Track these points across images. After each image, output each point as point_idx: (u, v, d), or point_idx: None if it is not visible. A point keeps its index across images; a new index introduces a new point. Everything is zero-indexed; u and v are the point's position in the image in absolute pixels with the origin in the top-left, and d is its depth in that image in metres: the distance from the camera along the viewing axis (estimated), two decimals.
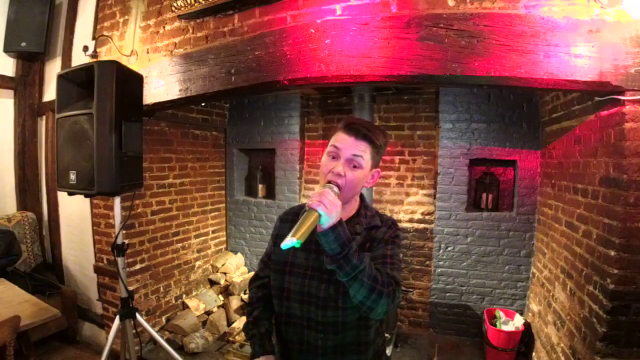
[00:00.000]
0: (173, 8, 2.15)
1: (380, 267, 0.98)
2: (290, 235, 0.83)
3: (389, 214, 3.17)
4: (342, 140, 1.03)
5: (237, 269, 3.56)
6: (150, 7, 2.33)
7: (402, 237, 1.14)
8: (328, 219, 0.87)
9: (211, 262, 3.60)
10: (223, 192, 3.78)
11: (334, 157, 1.03)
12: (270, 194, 3.67)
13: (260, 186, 3.69)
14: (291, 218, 1.17)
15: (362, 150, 1.02)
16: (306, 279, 1.05)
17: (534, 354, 2.51)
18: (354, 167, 1.01)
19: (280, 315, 1.11)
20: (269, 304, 1.18)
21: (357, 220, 1.09)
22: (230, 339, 2.88)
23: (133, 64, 2.36)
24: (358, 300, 0.92)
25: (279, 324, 1.13)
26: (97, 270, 2.83)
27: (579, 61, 1.45)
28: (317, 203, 0.87)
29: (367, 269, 0.91)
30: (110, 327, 2.06)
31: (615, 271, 1.52)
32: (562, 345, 2.03)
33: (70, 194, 1.95)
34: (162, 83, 2.24)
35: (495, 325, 2.58)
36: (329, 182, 0.99)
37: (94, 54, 2.53)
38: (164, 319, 3.04)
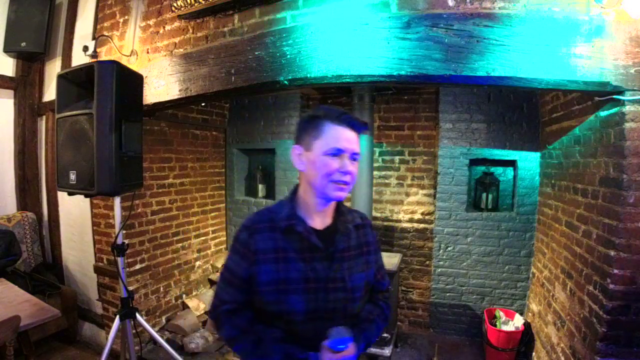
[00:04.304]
0: (173, 8, 2.15)
1: (381, 278, 1.15)
2: None
3: (388, 214, 3.21)
4: (346, 137, 0.95)
5: None
6: (150, 7, 2.33)
7: None
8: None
9: (211, 262, 3.60)
10: (223, 192, 3.78)
11: (335, 155, 0.94)
12: (270, 194, 3.67)
13: (260, 186, 3.69)
14: (268, 226, 0.99)
15: (359, 144, 0.99)
16: (310, 294, 0.95)
17: (534, 354, 2.51)
18: (354, 160, 0.98)
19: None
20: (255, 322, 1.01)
21: (344, 219, 1.05)
22: None
23: (133, 64, 2.36)
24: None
25: None
26: (97, 270, 2.83)
27: (579, 61, 1.45)
28: None
29: (375, 328, 1.07)
30: (110, 327, 2.06)
31: (615, 271, 1.52)
32: (562, 345, 2.03)
33: (70, 194, 1.95)
34: (162, 83, 2.24)
35: (495, 325, 2.57)
36: (337, 182, 0.94)
37: (94, 54, 2.53)
38: (164, 319, 3.04)
